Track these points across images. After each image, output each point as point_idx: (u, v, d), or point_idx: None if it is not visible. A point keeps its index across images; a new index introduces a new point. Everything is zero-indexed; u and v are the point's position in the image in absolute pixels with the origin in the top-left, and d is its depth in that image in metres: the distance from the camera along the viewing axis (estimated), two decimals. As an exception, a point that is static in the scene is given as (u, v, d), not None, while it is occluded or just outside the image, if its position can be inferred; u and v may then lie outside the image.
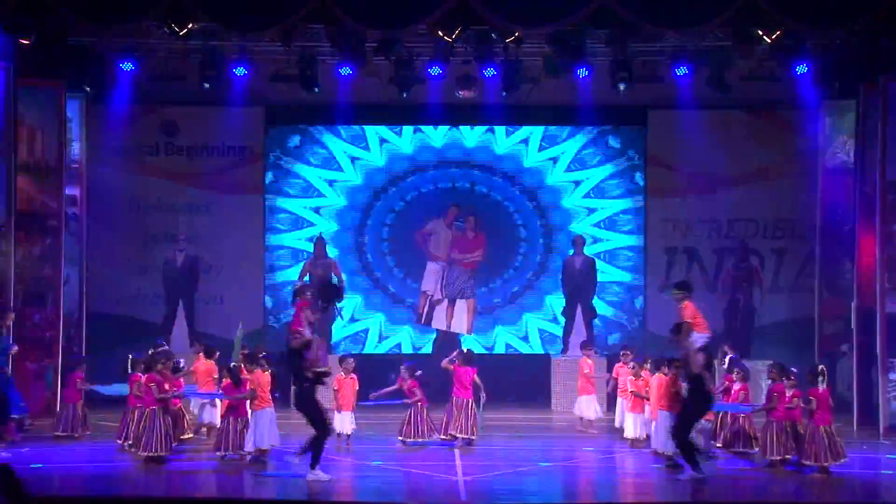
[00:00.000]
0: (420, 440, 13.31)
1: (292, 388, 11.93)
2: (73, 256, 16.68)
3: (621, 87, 15.83)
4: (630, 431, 13.59)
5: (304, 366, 10.90)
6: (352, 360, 13.83)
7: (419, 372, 13.65)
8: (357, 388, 13.56)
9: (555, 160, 18.57)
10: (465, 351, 14.11)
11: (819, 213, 16.86)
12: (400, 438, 13.34)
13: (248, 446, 12.13)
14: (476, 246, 18.49)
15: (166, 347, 13.94)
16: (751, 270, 17.88)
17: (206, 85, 15.87)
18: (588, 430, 14.68)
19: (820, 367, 12.15)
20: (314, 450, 10.99)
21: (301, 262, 18.11)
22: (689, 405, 11.41)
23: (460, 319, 18.26)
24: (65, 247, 15.87)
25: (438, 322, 18.28)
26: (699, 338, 11.41)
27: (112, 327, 17.37)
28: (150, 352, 13.28)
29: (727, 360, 14.46)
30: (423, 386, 13.55)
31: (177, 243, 17.87)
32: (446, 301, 18.32)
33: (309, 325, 10.95)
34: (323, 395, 15.65)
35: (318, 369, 11.02)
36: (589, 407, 14.81)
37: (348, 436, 13.43)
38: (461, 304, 18.25)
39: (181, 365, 13.35)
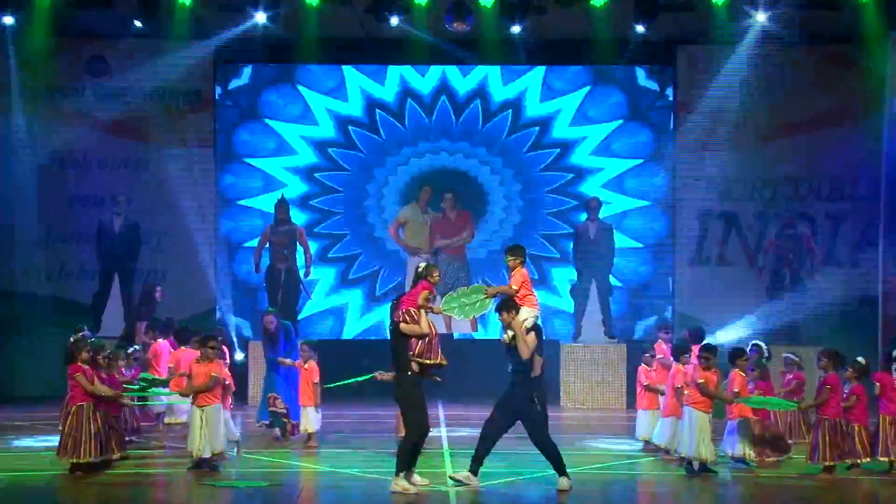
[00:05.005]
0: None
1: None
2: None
3: (639, 28, 15.60)
4: (643, 431, 13.49)
5: (409, 354, 11.07)
6: (306, 346, 13.87)
7: None
8: (317, 378, 13.58)
9: (562, 107, 18.36)
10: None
11: (885, 170, 16.80)
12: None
13: (206, 451, 12.08)
14: (461, 226, 18.22)
15: (86, 333, 13.70)
16: (800, 239, 17.81)
17: (142, 15, 15.77)
18: None
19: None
20: (400, 454, 11.07)
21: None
22: (515, 401, 11.11)
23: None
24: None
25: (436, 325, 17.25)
26: (529, 314, 11.13)
27: (32, 307, 17.20)
28: (71, 339, 13.08)
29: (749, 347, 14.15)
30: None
31: (115, 205, 17.57)
32: (440, 299, 17.74)
33: (424, 309, 11.11)
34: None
35: (425, 361, 11.09)
36: None
37: (310, 434, 13.51)
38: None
39: (132, 350, 13.52)
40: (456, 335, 17.66)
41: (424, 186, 18.34)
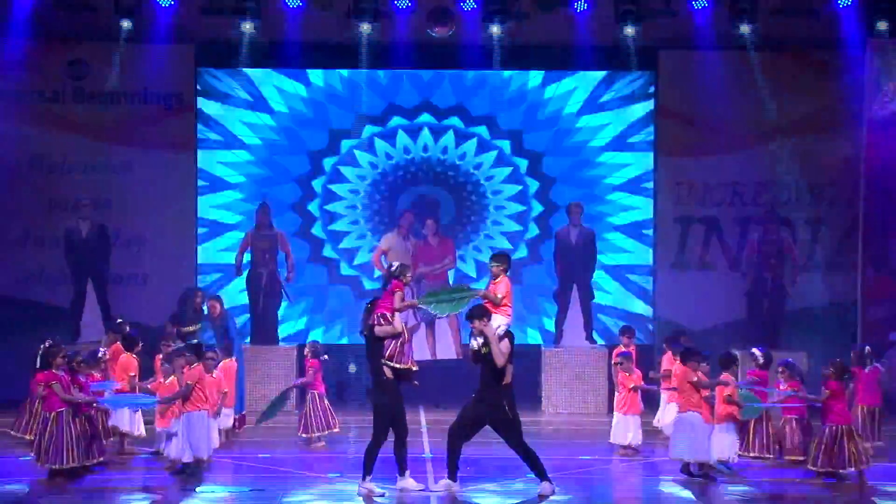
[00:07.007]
0: (313, 434, 13.78)
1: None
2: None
3: (628, 29, 15.67)
4: (620, 436, 13.57)
5: (384, 359, 11.10)
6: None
7: (325, 356, 14.10)
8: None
9: (542, 114, 18.44)
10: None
11: (864, 175, 16.82)
12: (302, 435, 13.82)
13: (186, 456, 12.11)
14: (443, 252, 18.06)
15: (49, 342, 13.73)
16: (781, 244, 17.81)
17: (122, 17, 15.71)
18: None
19: (867, 348, 13.30)
20: (367, 458, 11.15)
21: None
22: (483, 409, 11.11)
23: (445, 343, 17.69)
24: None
25: (420, 352, 16.34)
26: (502, 322, 11.16)
27: (8, 312, 17.11)
28: (42, 345, 13.09)
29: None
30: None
31: (79, 210, 17.50)
32: (423, 326, 17.52)
33: (399, 312, 11.14)
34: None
35: (398, 365, 11.11)
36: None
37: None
38: (441, 325, 17.62)
39: (101, 354, 13.42)
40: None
41: (406, 213, 18.25)
